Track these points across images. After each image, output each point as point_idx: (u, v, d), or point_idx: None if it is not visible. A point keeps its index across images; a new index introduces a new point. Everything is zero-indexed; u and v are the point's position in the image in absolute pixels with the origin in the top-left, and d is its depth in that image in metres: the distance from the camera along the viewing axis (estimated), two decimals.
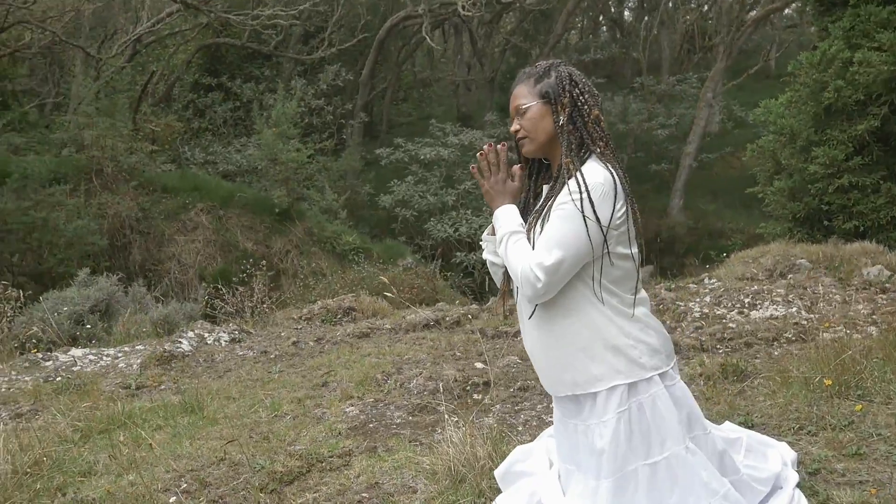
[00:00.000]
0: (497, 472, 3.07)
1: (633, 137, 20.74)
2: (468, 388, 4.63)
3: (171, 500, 3.35)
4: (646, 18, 25.83)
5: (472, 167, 2.61)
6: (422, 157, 18.20)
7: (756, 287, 6.39)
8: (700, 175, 20.97)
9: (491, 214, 2.56)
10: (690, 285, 7.25)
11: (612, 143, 2.45)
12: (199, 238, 14.65)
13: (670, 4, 25.12)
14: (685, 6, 24.43)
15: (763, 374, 4.37)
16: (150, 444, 4.03)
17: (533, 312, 2.47)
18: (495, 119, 20.74)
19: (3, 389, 5.29)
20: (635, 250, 2.43)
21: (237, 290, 7.09)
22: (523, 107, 2.47)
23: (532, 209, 2.54)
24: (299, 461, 3.70)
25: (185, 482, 3.59)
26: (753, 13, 20.85)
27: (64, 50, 20.74)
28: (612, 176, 2.33)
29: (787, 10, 24.32)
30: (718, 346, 5.13)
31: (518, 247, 2.40)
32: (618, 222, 2.33)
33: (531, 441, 3.34)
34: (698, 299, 6.31)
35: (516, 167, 2.59)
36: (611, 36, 28.22)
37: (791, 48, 24.24)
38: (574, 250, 2.29)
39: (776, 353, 4.89)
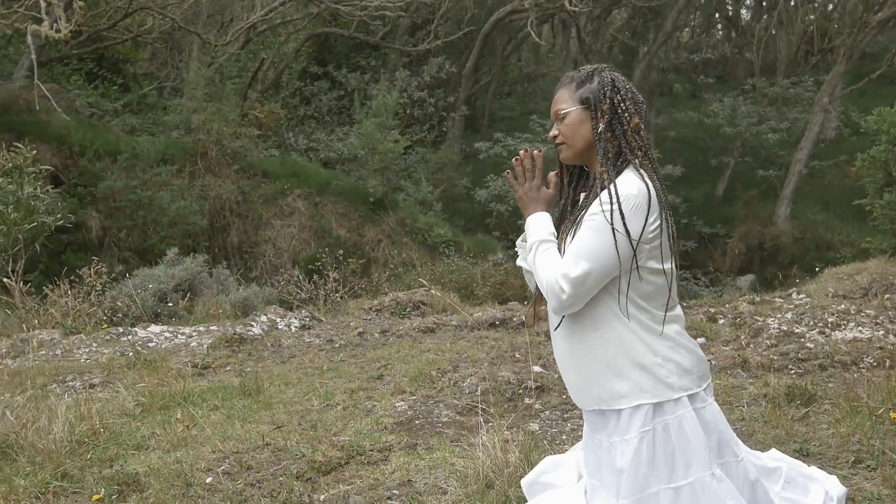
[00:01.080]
0: (524, 482, 3.01)
1: (740, 141, 19.97)
2: (521, 391, 4.56)
3: (207, 480, 3.44)
4: (764, 17, 24.81)
5: (507, 173, 2.57)
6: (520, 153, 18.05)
7: (844, 306, 6.05)
8: (811, 183, 20.02)
9: (524, 221, 2.51)
10: (777, 300, 6.93)
11: (652, 154, 2.36)
12: (295, 223, 15.02)
13: (791, 3, 24.06)
14: (807, 6, 23.31)
15: (831, 400, 4.13)
16: (203, 424, 4.16)
17: (560, 323, 2.41)
18: None
19: (83, 360, 5.57)
20: (668, 266, 2.32)
21: (316, 277, 7.22)
22: (562, 112, 2.41)
23: (569, 217, 2.48)
24: (340, 452, 3.74)
25: (228, 464, 3.69)
26: (880, 14, 19.69)
27: (183, 36, 21.63)
28: (648, 188, 2.24)
29: None
30: (790, 367, 4.88)
31: (546, 256, 2.34)
32: (650, 236, 2.24)
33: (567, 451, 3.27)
34: (779, 315, 6.02)
35: (552, 174, 2.54)
36: (725, 35, 27.26)
37: None
38: (601, 263, 2.21)
39: (852, 378, 4.61)
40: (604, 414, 2.41)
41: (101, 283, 6.68)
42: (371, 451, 3.79)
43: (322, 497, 3.33)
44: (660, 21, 22.47)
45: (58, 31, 10.63)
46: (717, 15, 26.57)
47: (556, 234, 2.42)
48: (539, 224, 2.43)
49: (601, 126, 2.33)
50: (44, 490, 3.32)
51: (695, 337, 5.61)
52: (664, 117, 22.36)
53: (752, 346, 5.35)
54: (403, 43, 22.62)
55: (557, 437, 3.92)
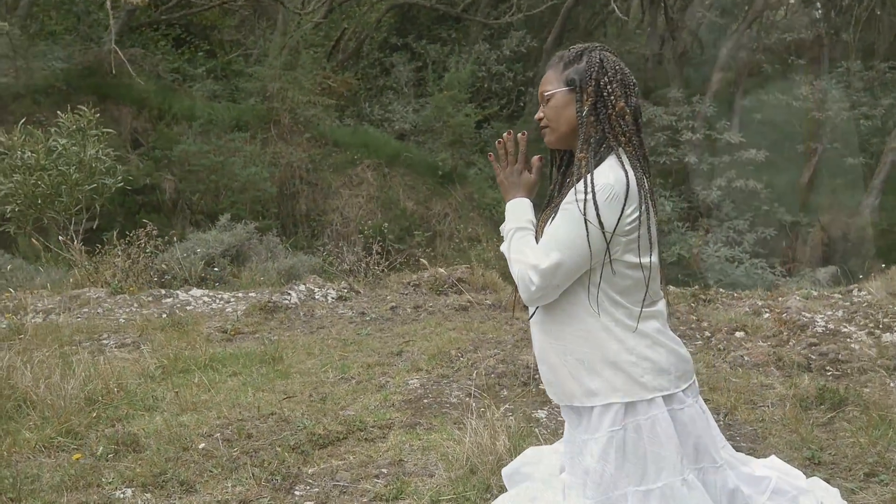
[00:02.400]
0: (505, 471, 2.95)
1: (830, 127, 19.04)
2: (537, 376, 4.47)
3: (200, 446, 3.49)
4: None
5: (490, 155, 2.51)
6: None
7: None
8: None
9: (503, 206, 2.44)
10: (835, 295, 6.61)
11: (637, 140, 2.24)
12: (363, 193, 15.15)
13: None
14: None
15: (860, 407, 3.90)
16: (217, 390, 4.23)
17: (533, 314, 2.34)
18: (679, 96, 19.76)
19: (122, 320, 5.74)
20: (646, 259, 2.20)
21: (358, 248, 7.25)
22: (547, 93, 2.32)
23: (552, 203, 2.39)
24: (341, 426, 3.75)
25: (230, 431, 3.74)
26: None
27: (269, 4, 21.94)
28: (627, 177, 2.13)
29: None
30: (828, 368, 4.64)
31: (520, 245, 2.26)
32: (627, 228, 2.13)
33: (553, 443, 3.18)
34: (829, 312, 5.73)
35: (535, 158, 2.46)
36: (824, 14, 25.93)
37: None
38: (573, 255, 2.12)
39: (892, 384, 4.35)
40: (578, 411, 2.34)
41: (152, 246, 6.88)
42: (372, 427, 3.79)
43: (311, 470, 3.35)
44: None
45: None
46: None
47: (535, 221, 2.34)
48: (517, 210, 2.36)
49: (585, 109, 2.23)
50: (47, 445, 3.44)
51: (732, 331, 5.41)
52: (751, 99, 21.49)
53: (791, 343, 5.10)
54: (485, 15, 22.35)
55: (562, 426, 3.83)
